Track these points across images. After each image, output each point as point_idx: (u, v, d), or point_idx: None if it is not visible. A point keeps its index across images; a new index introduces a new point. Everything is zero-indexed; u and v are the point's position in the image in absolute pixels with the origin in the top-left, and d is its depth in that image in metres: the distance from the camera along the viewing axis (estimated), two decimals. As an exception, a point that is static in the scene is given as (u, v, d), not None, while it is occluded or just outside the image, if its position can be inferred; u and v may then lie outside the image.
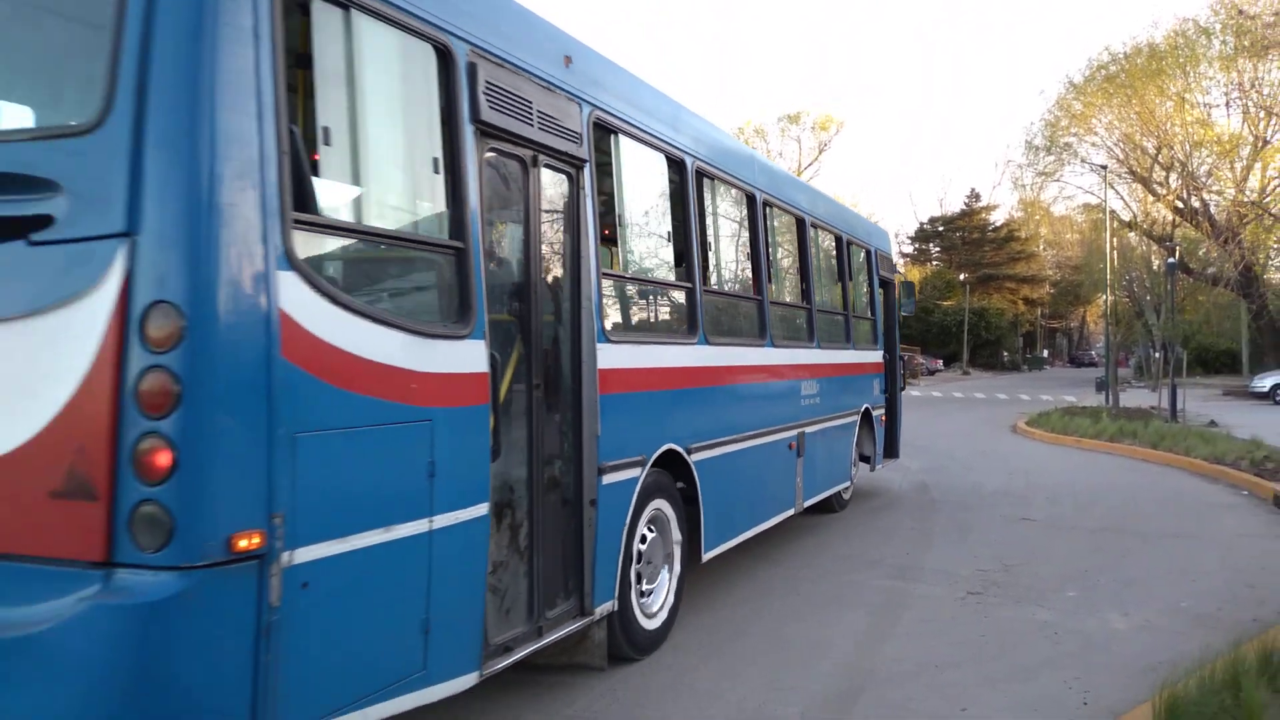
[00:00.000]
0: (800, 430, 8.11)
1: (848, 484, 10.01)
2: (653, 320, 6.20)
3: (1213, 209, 39.52)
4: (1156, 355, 34.64)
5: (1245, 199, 37.18)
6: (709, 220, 6.64)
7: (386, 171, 3.70)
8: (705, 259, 6.42)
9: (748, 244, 7.42)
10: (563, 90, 4.66)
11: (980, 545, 8.53)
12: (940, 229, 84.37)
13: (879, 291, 11.36)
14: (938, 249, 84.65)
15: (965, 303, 69.94)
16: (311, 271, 3.01)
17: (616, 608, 4.95)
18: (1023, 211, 56.68)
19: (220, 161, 2.73)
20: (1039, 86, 72.06)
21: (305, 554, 2.92)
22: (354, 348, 3.16)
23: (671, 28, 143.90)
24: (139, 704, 2.59)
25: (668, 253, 5.99)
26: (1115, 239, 38.66)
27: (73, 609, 2.59)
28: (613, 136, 5.27)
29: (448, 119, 3.80)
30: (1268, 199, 36.86)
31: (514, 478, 4.26)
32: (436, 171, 3.77)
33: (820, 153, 55.60)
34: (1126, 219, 43.74)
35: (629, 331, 5.49)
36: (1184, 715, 4.05)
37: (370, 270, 3.65)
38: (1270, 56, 35.10)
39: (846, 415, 9.72)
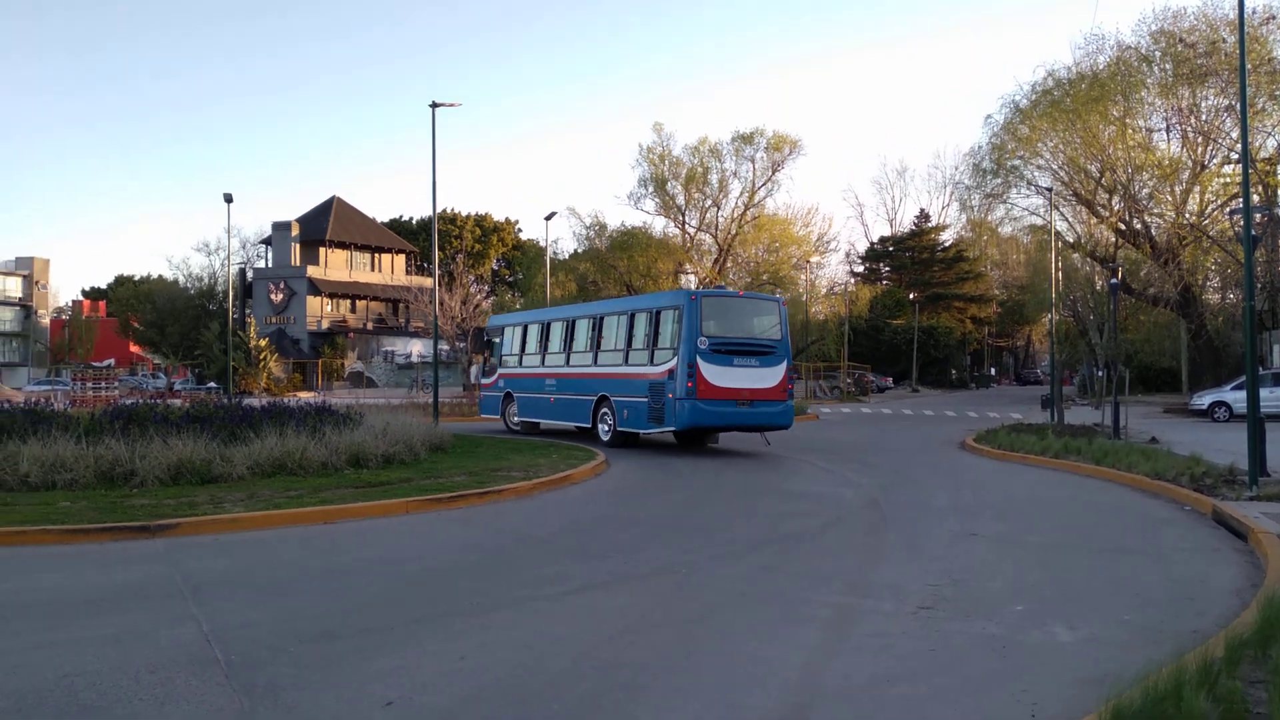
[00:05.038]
0: None
1: None
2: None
3: (1153, 231, 40.42)
4: (1100, 373, 35.39)
5: (1184, 221, 38.11)
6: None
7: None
8: None
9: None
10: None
11: (930, 560, 8.60)
12: (891, 249, 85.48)
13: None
14: (888, 269, 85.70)
15: (915, 321, 70.85)
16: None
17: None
18: (971, 232, 57.48)
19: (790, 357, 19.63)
20: (985, 111, 73.72)
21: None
22: None
23: (638, 56, 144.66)
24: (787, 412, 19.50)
25: None
26: (1060, 259, 39.42)
27: (788, 411, 19.35)
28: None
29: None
30: (1206, 221, 37.78)
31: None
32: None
33: (774, 172, 55.80)
34: (1071, 240, 44.63)
35: None
36: (1128, 726, 4.12)
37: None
38: (1207, 84, 36.15)
39: None
